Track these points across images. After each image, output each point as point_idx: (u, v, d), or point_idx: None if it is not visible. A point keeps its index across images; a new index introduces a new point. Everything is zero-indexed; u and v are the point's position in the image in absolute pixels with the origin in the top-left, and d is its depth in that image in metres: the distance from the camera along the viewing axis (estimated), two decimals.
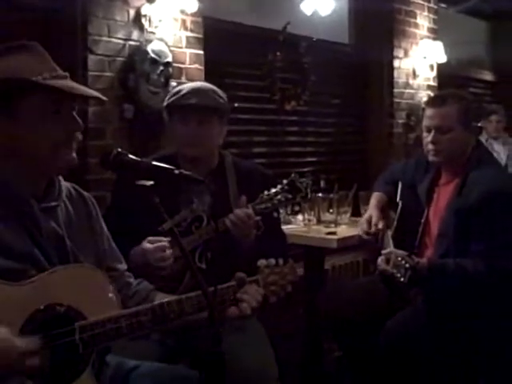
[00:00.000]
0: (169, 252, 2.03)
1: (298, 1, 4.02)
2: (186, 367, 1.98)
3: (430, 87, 5.08)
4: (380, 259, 2.40)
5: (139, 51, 2.91)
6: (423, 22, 5.03)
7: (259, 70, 3.85)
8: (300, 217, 3.35)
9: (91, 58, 2.77)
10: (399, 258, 2.24)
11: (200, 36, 3.25)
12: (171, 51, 3.04)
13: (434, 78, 5.13)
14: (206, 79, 3.17)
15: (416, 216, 2.63)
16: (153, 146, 2.93)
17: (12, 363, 1.31)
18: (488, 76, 6.73)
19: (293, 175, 2.25)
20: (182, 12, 3.13)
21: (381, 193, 2.86)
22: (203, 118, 2.21)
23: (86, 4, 2.75)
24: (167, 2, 3.02)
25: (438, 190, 2.61)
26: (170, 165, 1.63)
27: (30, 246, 1.46)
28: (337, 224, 3.29)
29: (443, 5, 5.67)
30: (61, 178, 1.60)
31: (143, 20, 2.94)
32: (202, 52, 3.26)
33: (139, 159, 1.59)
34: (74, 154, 1.52)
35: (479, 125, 2.71)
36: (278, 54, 3.88)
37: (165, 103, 2.29)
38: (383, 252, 2.37)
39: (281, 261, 1.82)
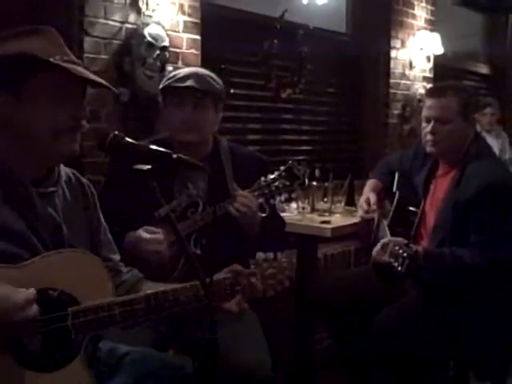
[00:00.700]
0: (163, 246, 2.01)
1: None
2: (178, 354, 1.98)
3: (425, 79, 5.07)
4: (376, 248, 2.39)
5: (136, 34, 2.87)
6: (421, 12, 5.01)
7: (256, 56, 3.82)
8: (294, 205, 3.34)
9: (87, 40, 2.73)
10: (397, 247, 2.22)
11: (197, 21, 3.21)
12: (168, 35, 3.01)
13: (430, 69, 5.12)
14: (203, 64, 3.14)
15: (412, 206, 2.63)
16: (147, 130, 2.90)
17: (9, 312, 1.28)
18: (483, 69, 6.73)
19: (290, 162, 2.24)
20: None
21: (376, 180, 2.85)
22: (199, 101, 2.19)
23: None
24: None
25: (434, 182, 2.61)
26: (165, 149, 1.62)
27: (25, 231, 1.44)
28: (331, 213, 3.28)
29: None
30: None
31: (140, 3, 2.90)
32: (198, 37, 3.22)
33: (136, 142, 1.56)
34: (77, 146, 1.50)
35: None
36: (275, 41, 3.85)
37: (161, 86, 2.26)
38: (382, 241, 2.36)
39: (279, 255, 1.81)
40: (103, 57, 2.80)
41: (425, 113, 2.54)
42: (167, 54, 3.00)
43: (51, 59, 1.42)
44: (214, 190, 2.18)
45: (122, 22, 2.86)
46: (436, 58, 5.12)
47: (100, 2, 2.76)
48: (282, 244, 2.41)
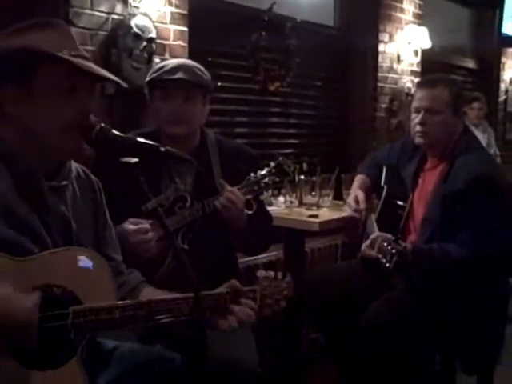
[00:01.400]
0: (150, 235, 1.99)
1: None
2: (166, 349, 1.96)
3: (413, 73, 5.08)
4: (365, 244, 2.39)
5: (122, 25, 2.84)
6: (409, 7, 5.01)
7: (243, 49, 3.80)
8: (282, 199, 3.33)
9: (73, 31, 2.67)
10: (385, 243, 2.21)
11: (185, 12, 3.18)
12: (155, 27, 2.98)
13: (417, 63, 5.13)
14: (190, 57, 3.11)
15: (400, 200, 2.63)
16: (134, 123, 2.88)
17: (13, 317, 1.25)
18: (470, 63, 6.75)
19: (280, 158, 2.21)
20: None
21: (364, 176, 2.85)
22: (188, 94, 2.16)
23: None
24: None
25: (423, 175, 2.60)
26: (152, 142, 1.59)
27: (37, 224, 1.43)
28: (319, 207, 3.27)
29: None
30: None
31: None
32: (186, 29, 3.19)
33: (123, 135, 1.54)
34: (83, 142, 1.48)
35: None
36: (263, 34, 3.83)
37: (148, 78, 2.23)
38: (371, 237, 2.35)
39: (280, 274, 1.79)
40: (89, 48, 2.76)
41: (415, 103, 2.54)
42: (154, 45, 2.97)
43: (59, 53, 1.40)
44: (201, 184, 2.16)
45: (109, 13, 2.83)
46: (423, 52, 5.12)
47: None
48: (269, 240, 2.40)
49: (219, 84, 3.46)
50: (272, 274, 1.79)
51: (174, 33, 3.14)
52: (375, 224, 2.51)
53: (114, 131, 1.52)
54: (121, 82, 1.56)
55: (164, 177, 2.18)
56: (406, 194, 2.63)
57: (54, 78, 1.42)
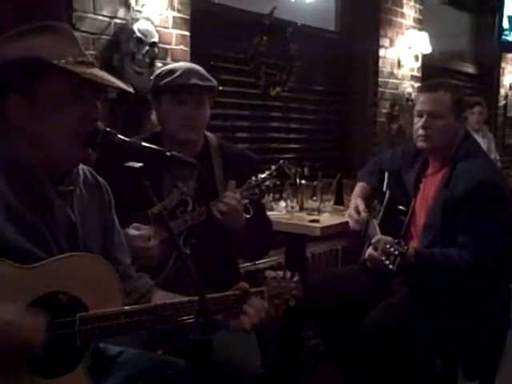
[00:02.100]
0: (152, 241, 1.99)
1: None
2: (167, 355, 1.95)
3: (414, 78, 5.08)
4: (369, 249, 2.39)
5: (125, 30, 2.84)
6: (409, 11, 5.01)
7: (244, 53, 3.80)
8: (283, 203, 3.33)
9: (75, 35, 2.69)
10: (388, 245, 2.22)
11: (187, 17, 3.18)
12: (157, 31, 2.97)
13: (418, 68, 5.13)
14: (191, 61, 3.11)
15: (402, 206, 2.63)
16: (135, 128, 2.87)
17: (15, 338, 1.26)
18: (469, 69, 6.76)
19: (281, 161, 2.21)
20: None
21: (365, 183, 2.86)
22: (200, 99, 2.16)
23: None
24: None
25: (424, 180, 2.61)
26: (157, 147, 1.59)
27: (43, 230, 1.42)
28: (320, 212, 3.27)
29: None
30: None
31: None
32: (188, 33, 3.19)
33: (128, 140, 1.54)
34: (90, 150, 1.47)
35: None
36: (264, 38, 3.83)
37: (157, 83, 2.20)
38: (372, 241, 2.36)
39: (288, 274, 1.78)
40: (91, 52, 2.76)
41: (417, 107, 2.55)
42: (156, 49, 2.97)
43: (62, 62, 1.38)
44: (204, 188, 2.16)
45: (111, 17, 2.82)
46: (424, 57, 5.13)
47: None
48: (267, 245, 2.40)
49: (220, 88, 3.45)
50: (280, 273, 1.77)
51: (176, 37, 3.14)
52: (378, 228, 2.51)
53: (119, 136, 1.52)
54: (127, 88, 1.55)
55: (166, 181, 2.18)
56: (408, 199, 2.63)
57: (59, 87, 1.40)
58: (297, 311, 3.12)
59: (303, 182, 3.33)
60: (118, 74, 2.82)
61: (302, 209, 3.33)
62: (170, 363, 1.68)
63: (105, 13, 2.79)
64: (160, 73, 2.22)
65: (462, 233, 2.35)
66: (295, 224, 3.11)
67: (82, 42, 2.65)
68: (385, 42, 4.75)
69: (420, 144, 2.53)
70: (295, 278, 1.79)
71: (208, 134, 2.32)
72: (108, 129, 1.51)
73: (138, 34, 2.86)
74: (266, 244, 2.37)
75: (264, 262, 3.45)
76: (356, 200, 2.75)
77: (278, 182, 2.18)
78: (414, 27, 5.03)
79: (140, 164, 1.45)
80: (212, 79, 2.21)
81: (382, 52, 4.72)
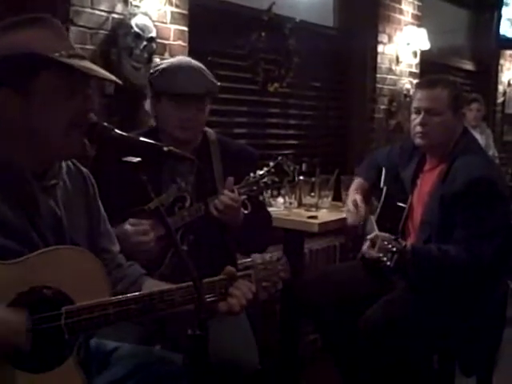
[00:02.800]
0: (149, 237, 1.98)
1: None
2: (164, 350, 1.95)
3: (412, 74, 5.08)
4: (366, 244, 2.39)
5: (123, 25, 2.83)
6: (408, 8, 5.01)
7: (243, 49, 3.79)
8: (281, 200, 3.32)
9: (72, 30, 2.68)
10: (385, 242, 2.22)
11: (185, 12, 3.17)
12: (155, 26, 2.96)
13: (416, 64, 5.12)
14: (189, 56, 3.10)
15: (399, 202, 2.63)
16: (133, 123, 2.87)
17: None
18: (467, 65, 6.75)
19: (280, 158, 2.20)
20: None
21: (362, 179, 2.85)
22: (200, 105, 2.16)
23: None
24: None
25: (422, 176, 2.61)
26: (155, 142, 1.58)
27: (26, 226, 1.41)
28: (318, 208, 3.27)
29: None
30: None
31: None
32: (186, 28, 3.18)
33: (126, 134, 1.53)
34: (86, 140, 1.46)
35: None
36: (263, 34, 3.82)
37: (158, 83, 2.17)
38: (369, 236, 2.36)
39: (275, 256, 1.78)
40: (89, 47, 2.75)
41: (415, 104, 2.54)
42: (154, 45, 2.96)
43: (57, 55, 1.37)
44: (202, 184, 2.15)
45: (109, 12, 2.81)
46: (422, 53, 5.12)
47: None
48: (266, 240, 2.39)
49: (218, 84, 3.45)
50: (267, 256, 1.77)
51: (174, 32, 3.13)
52: (375, 225, 2.51)
53: (117, 130, 1.51)
54: (117, 80, 1.54)
55: (164, 176, 2.18)
56: (406, 196, 2.63)
57: (55, 80, 1.40)
58: (295, 307, 3.14)
59: (301, 178, 3.33)
60: (116, 69, 2.82)
61: (300, 205, 3.32)
62: (166, 359, 1.68)
63: (102, 7, 2.78)
64: (162, 70, 2.17)
65: (457, 228, 2.35)
66: (293, 220, 3.11)
67: (79, 37, 2.70)
68: (383, 37, 4.74)
69: (418, 141, 2.53)
70: (282, 261, 1.78)
71: (207, 129, 2.31)
72: (105, 123, 1.51)
73: (136, 29, 2.85)
74: (265, 239, 2.36)
75: None
76: (354, 196, 2.74)
77: (277, 179, 2.17)
78: (412, 23, 5.02)
79: (138, 159, 1.45)
80: (212, 79, 2.19)
81: (380, 48, 4.71)
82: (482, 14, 6.90)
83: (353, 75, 4.77)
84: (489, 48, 6.86)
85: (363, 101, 4.73)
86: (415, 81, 4.98)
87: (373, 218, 2.58)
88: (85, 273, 1.44)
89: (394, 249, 2.20)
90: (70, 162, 1.60)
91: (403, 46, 4.92)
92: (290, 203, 3.28)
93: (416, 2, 5.10)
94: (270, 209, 3.15)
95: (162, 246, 2.02)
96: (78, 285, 1.41)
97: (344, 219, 2.83)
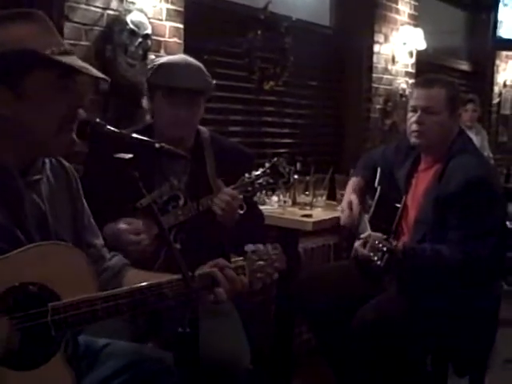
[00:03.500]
0: (142, 236, 1.97)
1: None
2: (156, 347, 1.94)
3: (408, 74, 5.08)
4: (357, 243, 2.38)
5: (118, 21, 2.81)
6: (404, 7, 5.00)
7: (239, 47, 3.78)
8: (275, 198, 3.32)
9: (67, 26, 2.66)
10: (377, 242, 2.22)
11: (181, 9, 3.16)
12: (151, 23, 2.95)
13: (412, 64, 5.12)
14: (184, 54, 3.09)
15: (394, 202, 2.62)
16: (128, 120, 2.85)
17: None
18: (463, 66, 6.76)
19: (275, 159, 2.20)
20: None
21: (358, 178, 2.84)
22: (194, 101, 2.15)
23: None
24: None
25: (416, 176, 2.60)
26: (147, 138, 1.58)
27: (9, 223, 1.39)
28: (312, 206, 3.27)
29: None
30: None
31: None
32: (182, 26, 3.17)
33: (118, 131, 1.52)
34: (74, 135, 1.45)
35: None
36: (259, 32, 3.81)
37: (154, 78, 2.16)
38: (361, 236, 2.35)
39: (269, 247, 1.76)
40: (84, 43, 2.74)
41: (412, 102, 2.54)
42: (149, 42, 2.95)
43: (49, 52, 1.36)
44: (196, 183, 2.14)
45: (104, 9, 2.80)
46: (418, 53, 5.12)
47: None
48: (259, 239, 2.38)
49: (214, 82, 3.44)
50: (261, 247, 1.74)
51: (169, 29, 3.12)
52: (368, 224, 2.50)
53: (109, 127, 1.51)
54: (104, 76, 1.53)
55: (157, 174, 2.17)
56: (400, 195, 2.63)
57: (48, 77, 1.39)
58: (289, 306, 3.14)
59: (296, 176, 3.31)
60: (111, 65, 2.81)
61: (294, 203, 3.32)
62: (157, 357, 1.67)
63: (97, 4, 2.77)
64: (158, 66, 2.17)
65: (452, 229, 2.35)
66: (287, 218, 3.11)
67: (74, 33, 2.69)
68: (379, 37, 4.74)
69: (413, 140, 2.52)
70: (277, 251, 1.76)
71: (200, 127, 2.30)
72: (97, 120, 1.50)
73: (131, 26, 2.83)
74: (257, 238, 2.35)
75: None
76: (350, 196, 2.74)
77: (272, 180, 2.17)
78: (408, 23, 5.02)
79: (130, 155, 1.44)
80: (208, 77, 2.19)
81: (376, 48, 4.71)
82: (478, 14, 6.91)
83: (349, 74, 4.77)
84: (485, 49, 6.86)
85: (359, 100, 4.73)
86: (411, 81, 4.98)
87: (366, 218, 2.57)
88: (71, 268, 1.42)
89: (385, 248, 2.20)
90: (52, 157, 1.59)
91: (399, 46, 4.92)
92: (285, 202, 3.28)
93: (412, 2, 5.10)
94: (264, 207, 3.16)
95: (155, 244, 2.01)
96: (64, 280, 1.39)
97: (338, 218, 2.82)
